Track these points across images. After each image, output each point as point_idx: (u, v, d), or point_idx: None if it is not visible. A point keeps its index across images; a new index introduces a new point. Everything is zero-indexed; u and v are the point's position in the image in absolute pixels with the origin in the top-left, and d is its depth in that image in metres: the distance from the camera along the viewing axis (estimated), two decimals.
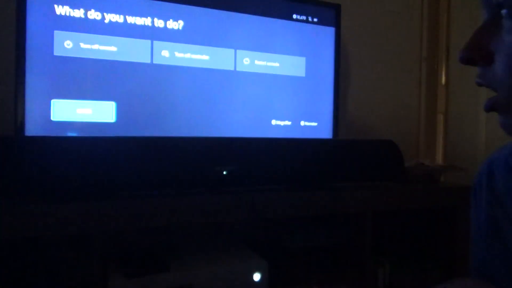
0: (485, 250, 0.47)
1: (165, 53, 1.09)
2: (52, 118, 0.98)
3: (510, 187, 0.45)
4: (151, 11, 1.07)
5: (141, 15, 1.06)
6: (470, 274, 0.51)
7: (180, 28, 1.10)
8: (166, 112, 1.09)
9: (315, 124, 1.28)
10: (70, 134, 1.00)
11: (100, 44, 1.02)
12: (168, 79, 1.09)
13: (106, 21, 1.03)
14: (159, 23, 1.08)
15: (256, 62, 1.20)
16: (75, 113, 1.00)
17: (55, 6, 0.98)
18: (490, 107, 0.42)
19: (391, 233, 1.29)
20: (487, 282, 0.47)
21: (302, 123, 1.26)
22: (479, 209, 0.49)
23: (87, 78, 1.02)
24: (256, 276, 0.93)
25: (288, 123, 1.24)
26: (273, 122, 1.22)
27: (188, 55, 1.11)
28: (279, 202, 0.96)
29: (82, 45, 1.01)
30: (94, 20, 1.02)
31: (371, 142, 1.13)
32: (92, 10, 1.02)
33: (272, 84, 1.22)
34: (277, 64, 1.22)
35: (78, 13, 1.00)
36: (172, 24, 1.09)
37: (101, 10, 1.02)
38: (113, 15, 1.04)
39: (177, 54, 1.10)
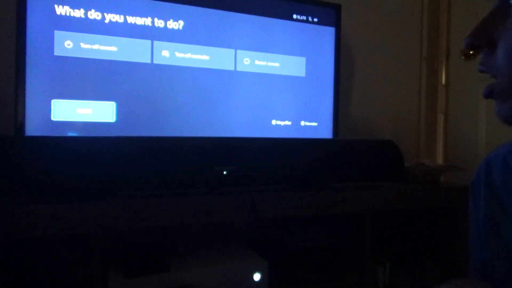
0: (484, 249, 0.47)
1: (165, 53, 1.09)
2: (52, 118, 0.98)
3: (508, 185, 0.45)
4: (151, 11, 1.07)
5: (141, 15, 1.06)
6: (470, 274, 0.51)
7: (180, 28, 1.10)
8: (166, 112, 1.09)
9: (315, 124, 1.28)
10: (70, 134, 1.00)
11: (100, 44, 1.02)
12: (169, 79, 1.09)
13: (106, 21, 1.03)
14: (159, 23, 1.08)
15: (256, 62, 1.20)
16: (75, 113, 1.00)
17: (55, 6, 0.98)
18: (488, 94, 0.43)
19: (391, 233, 1.29)
20: (487, 283, 0.47)
21: (302, 123, 1.26)
22: (478, 207, 0.49)
23: (87, 78, 1.02)
24: (256, 276, 0.93)
25: (288, 123, 1.24)
26: (273, 122, 1.22)
27: (188, 55, 1.11)
28: (279, 202, 0.96)
29: (83, 45, 1.01)
30: (94, 20, 1.02)
31: (371, 142, 1.13)
32: (92, 10, 1.02)
33: (272, 84, 1.22)
34: (277, 64, 1.22)
35: (78, 13, 1.00)
36: (172, 24, 1.09)
37: (101, 10, 1.03)
38: (113, 15, 1.04)
39: (177, 54, 1.10)
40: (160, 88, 1.08)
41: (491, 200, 0.47)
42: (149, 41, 1.07)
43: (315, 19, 1.27)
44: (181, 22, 1.10)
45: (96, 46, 1.02)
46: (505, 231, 0.45)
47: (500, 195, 0.46)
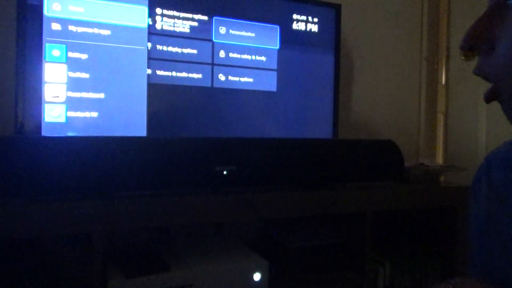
0: (484, 248, 0.47)
1: (161, 47, 1.09)
2: (52, 119, 0.98)
3: (508, 182, 0.45)
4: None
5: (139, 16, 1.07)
6: (469, 273, 0.50)
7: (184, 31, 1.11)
8: (165, 113, 1.09)
9: (314, 124, 1.28)
10: (70, 134, 1.00)
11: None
12: (167, 79, 1.10)
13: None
14: (158, 25, 1.08)
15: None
16: (75, 113, 1.00)
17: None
18: (489, 98, 0.41)
19: (391, 233, 1.29)
20: (487, 282, 0.47)
21: (302, 123, 1.26)
22: (478, 205, 0.49)
23: (86, 78, 1.02)
24: (256, 276, 0.93)
25: (287, 123, 1.24)
26: (273, 122, 1.22)
27: (187, 50, 1.12)
28: (279, 202, 0.96)
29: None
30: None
31: (371, 142, 1.13)
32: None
33: (272, 84, 1.22)
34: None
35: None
36: (173, 27, 1.10)
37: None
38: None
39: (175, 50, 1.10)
40: (159, 88, 1.09)
41: (492, 198, 0.47)
42: (149, 43, 1.07)
43: (315, 19, 1.27)
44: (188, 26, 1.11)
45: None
46: (505, 229, 0.45)
47: (500, 192, 0.46)
